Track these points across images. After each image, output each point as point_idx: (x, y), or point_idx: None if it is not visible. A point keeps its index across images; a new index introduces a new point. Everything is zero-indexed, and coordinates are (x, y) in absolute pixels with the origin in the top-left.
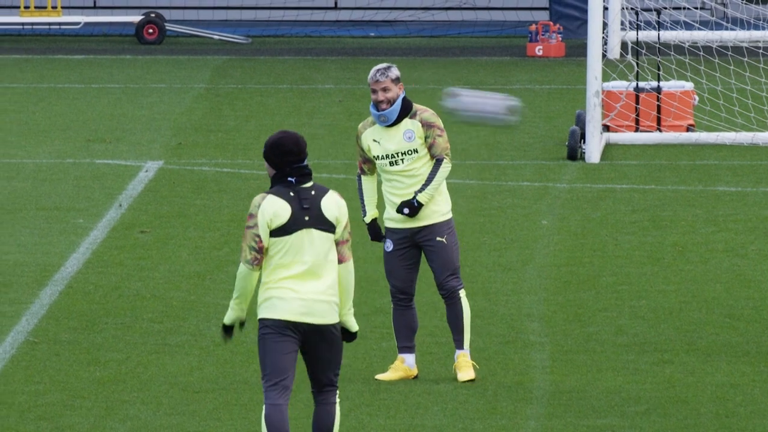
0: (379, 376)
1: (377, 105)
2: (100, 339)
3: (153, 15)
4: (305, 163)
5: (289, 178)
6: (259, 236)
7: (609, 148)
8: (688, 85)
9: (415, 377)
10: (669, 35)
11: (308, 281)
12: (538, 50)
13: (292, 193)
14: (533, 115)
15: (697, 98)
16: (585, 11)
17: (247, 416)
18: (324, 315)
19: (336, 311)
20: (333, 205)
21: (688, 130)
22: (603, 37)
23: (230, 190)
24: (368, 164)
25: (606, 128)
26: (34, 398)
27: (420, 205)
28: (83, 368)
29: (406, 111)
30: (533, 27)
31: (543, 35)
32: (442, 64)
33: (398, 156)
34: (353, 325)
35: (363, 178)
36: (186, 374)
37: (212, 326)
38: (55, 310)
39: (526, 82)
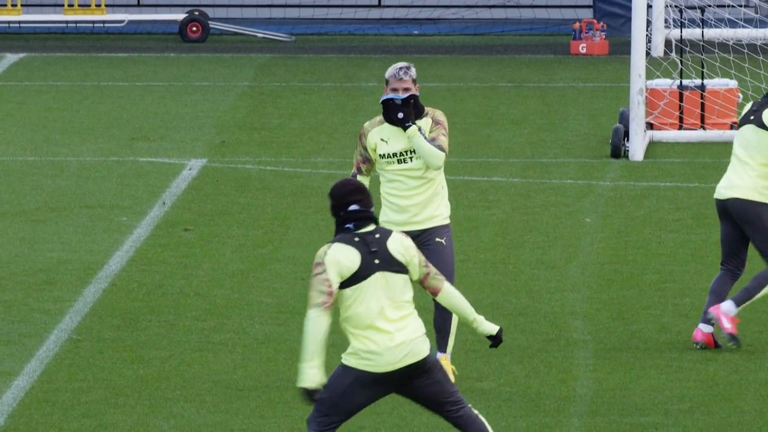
0: None
1: None
2: (143, 337)
3: (197, 13)
4: (354, 207)
5: (347, 225)
6: (328, 280)
7: (652, 146)
8: (732, 83)
9: (454, 373)
10: (713, 33)
11: (395, 324)
12: (582, 48)
13: (356, 239)
14: (577, 113)
15: (741, 96)
16: (629, 9)
17: (291, 414)
18: (419, 353)
19: (426, 342)
20: (399, 246)
21: (731, 128)
22: (647, 35)
23: (274, 188)
24: (367, 164)
25: (650, 126)
26: (78, 396)
27: (404, 120)
28: (126, 366)
29: (419, 112)
30: (577, 25)
31: (587, 33)
32: (485, 62)
33: (407, 154)
34: (492, 328)
35: (358, 177)
36: (229, 372)
37: (256, 324)
38: (98, 308)
39: (569, 80)
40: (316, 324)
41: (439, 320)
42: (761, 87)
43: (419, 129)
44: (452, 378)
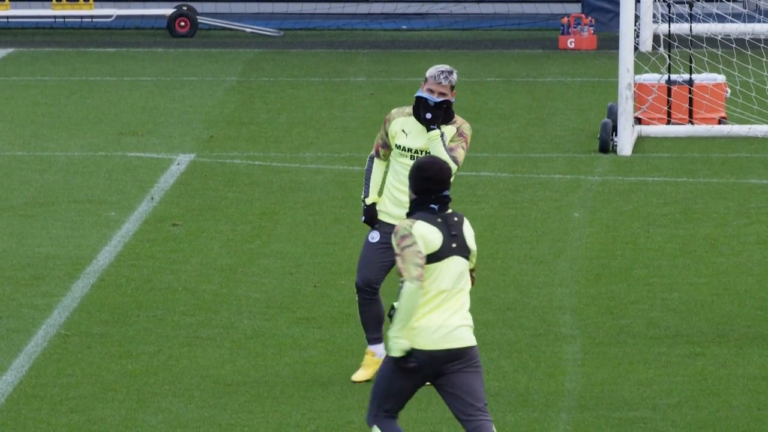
0: (355, 377)
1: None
2: (131, 332)
3: (185, 8)
4: (447, 193)
5: (432, 206)
6: (420, 252)
7: (641, 141)
8: (721, 78)
9: None
10: (701, 28)
11: (455, 310)
12: (570, 43)
13: (439, 219)
14: (565, 108)
15: (729, 91)
16: (617, 4)
17: (279, 409)
18: (465, 339)
19: (471, 333)
20: (470, 236)
21: (720, 122)
22: (635, 30)
23: (262, 183)
24: (385, 149)
25: (638, 121)
26: (66, 391)
27: (431, 121)
28: (115, 361)
29: (448, 118)
30: (565, 20)
31: (575, 28)
32: (474, 57)
33: (421, 154)
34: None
35: (376, 160)
36: (218, 367)
37: (244, 319)
38: (86, 303)
39: (557, 75)
40: (414, 299)
41: None
42: (749, 82)
43: (442, 135)
44: None
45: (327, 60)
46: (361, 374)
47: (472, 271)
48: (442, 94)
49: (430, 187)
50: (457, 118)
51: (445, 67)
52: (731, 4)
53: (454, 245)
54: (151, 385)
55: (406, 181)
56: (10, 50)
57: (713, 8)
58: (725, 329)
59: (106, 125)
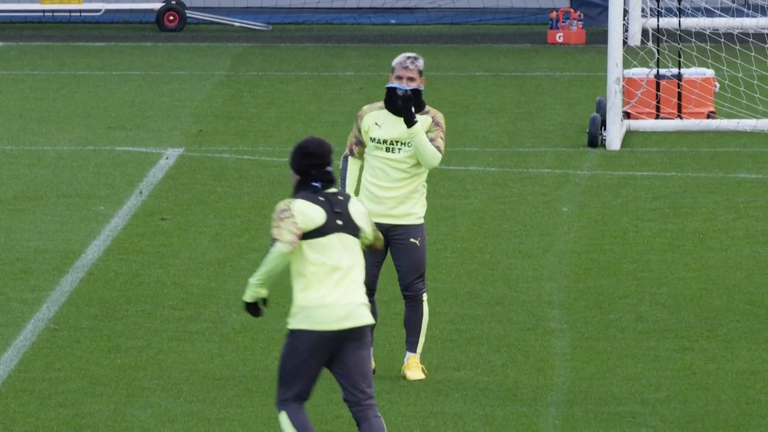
0: None
1: None
2: (120, 326)
3: (174, 2)
4: (329, 169)
5: (314, 183)
6: (297, 224)
7: (629, 135)
8: (709, 72)
9: (373, 371)
10: (690, 22)
11: (345, 287)
12: (559, 37)
13: (321, 198)
14: (554, 103)
15: (717, 85)
16: None
17: (268, 403)
18: (361, 318)
19: (368, 312)
20: (359, 213)
21: (708, 117)
22: (624, 24)
23: (251, 177)
24: (359, 147)
25: (627, 115)
26: (55, 385)
27: (414, 116)
28: (104, 355)
29: (419, 106)
30: (554, 14)
31: (564, 22)
32: (462, 51)
33: (396, 144)
34: None
35: (350, 159)
36: (206, 361)
37: (233, 313)
38: (75, 297)
39: (546, 69)
40: (280, 260)
41: (411, 319)
42: (738, 76)
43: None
44: (423, 375)
45: (316, 54)
46: None
47: (372, 245)
48: (410, 79)
49: (311, 163)
50: (429, 108)
51: (411, 53)
52: None
53: (339, 222)
54: (140, 379)
55: (382, 176)
56: None
57: (702, 2)
58: (714, 324)
59: (94, 119)
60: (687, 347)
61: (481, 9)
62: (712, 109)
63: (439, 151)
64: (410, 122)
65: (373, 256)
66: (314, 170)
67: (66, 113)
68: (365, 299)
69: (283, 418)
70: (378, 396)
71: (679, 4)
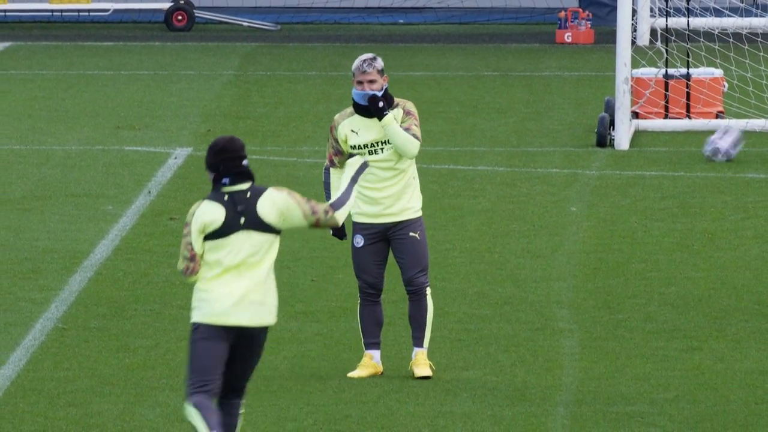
0: (351, 374)
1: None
2: (129, 326)
3: (182, 2)
4: (244, 163)
5: (224, 179)
6: (191, 244)
7: (638, 135)
8: (718, 72)
9: (381, 374)
10: (698, 22)
11: (244, 284)
12: (567, 37)
13: (226, 197)
14: (562, 102)
15: (726, 85)
16: None
17: (277, 403)
18: (258, 318)
19: (271, 313)
20: (268, 205)
21: (717, 116)
22: (632, 24)
23: (259, 177)
24: (339, 157)
25: (635, 115)
26: (64, 385)
27: (383, 108)
28: (112, 355)
29: (389, 103)
30: (562, 14)
31: (572, 22)
32: (471, 51)
33: (378, 145)
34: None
35: (332, 170)
36: None
37: None
38: (84, 297)
39: (555, 69)
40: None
41: (416, 314)
42: (746, 76)
43: (388, 112)
44: (430, 372)
45: (324, 54)
46: (358, 373)
47: (314, 214)
48: (370, 81)
49: (223, 159)
50: (399, 100)
51: (368, 55)
52: None
53: (242, 220)
54: (149, 378)
55: (371, 178)
56: (7, 44)
57: (710, 2)
58: (722, 324)
59: (103, 119)
60: (696, 347)
61: (490, 9)
62: (720, 108)
63: (416, 138)
64: (380, 116)
65: (374, 256)
66: (224, 165)
67: (74, 113)
68: (268, 299)
69: (189, 408)
70: (386, 395)
71: (688, 4)
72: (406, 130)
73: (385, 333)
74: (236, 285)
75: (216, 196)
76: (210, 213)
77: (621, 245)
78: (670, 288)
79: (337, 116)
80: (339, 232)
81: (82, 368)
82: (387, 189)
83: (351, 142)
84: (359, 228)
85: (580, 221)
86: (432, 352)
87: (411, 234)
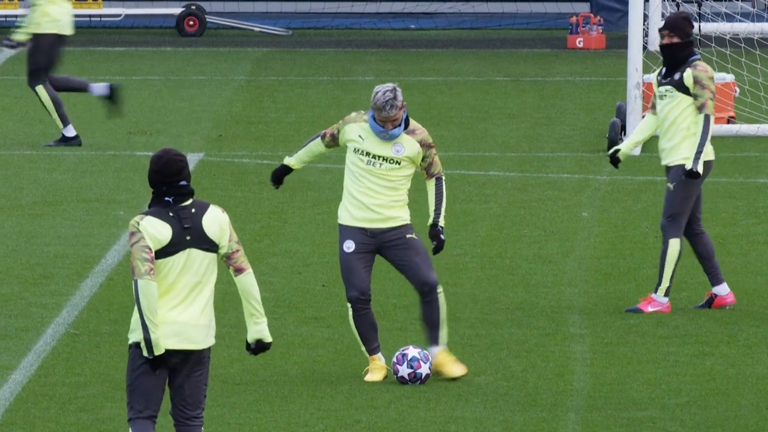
0: (368, 378)
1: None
2: None
3: (193, 7)
4: (185, 183)
5: (167, 198)
6: (148, 246)
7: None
8: (729, 77)
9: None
10: (710, 27)
11: (186, 305)
12: (579, 42)
13: (171, 213)
14: (573, 107)
15: (738, 90)
16: (625, 3)
17: (288, 408)
18: (199, 341)
19: (210, 335)
20: (214, 224)
21: (728, 121)
22: (644, 29)
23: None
24: (332, 141)
25: None
26: (75, 390)
27: (442, 229)
28: (124, 360)
29: (405, 126)
30: (574, 19)
31: (583, 27)
32: (482, 56)
33: (378, 159)
34: (267, 336)
35: (319, 140)
36: (226, 366)
37: None
38: (95, 302)
39: (566, 74)
40: (152, 295)
41: (430, 314)
42: (758, 81)
43: (437, 217)
44: (462, 371)
45: (335, 59)
46: (373, 377)
47: (234, 254)
48: (393, 121)
49: (162, 180)
50: (413, 126)
51: (388, 94)
52: (740, 3)
53: (188, 237)
54: None
55: (364, 182)
56: (19, 49)
57: (722, 8)
58: (734, 329)
59: (114, 124)
60: (707, 352)
61: (501, 14)
62: (732, 114)
63: (440, 170)
64: (442, 243)
65: (364, 261)
66: (165, 186)
67: (86, 118)
68: (206, 321)
69: None
70: (397, 401)
71: (699, 9)
72: (431, 164)
73: (395, 338)
74: (174, 308)
75: (159, 212)
76: (158, 227)
77: (632, 250)
78: (681, 293)
79: (354, 114)
80: (276, 176)
81: (93, 373)
82: (379, 197)
83: (355, 145)
84: (349, 232)
85: (592, 226)
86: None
87: (408, 236)
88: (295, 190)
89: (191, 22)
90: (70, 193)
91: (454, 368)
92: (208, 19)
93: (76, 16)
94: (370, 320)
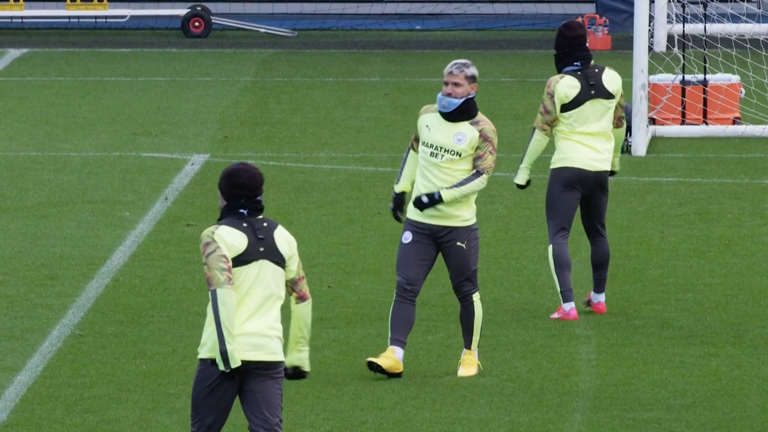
0: (370, 358)
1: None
2: (146, 332)
3: (199, 8)
4: (259, 198)
5: (241, 210)
6: (224, 256)
7: (655, 141)
8: (735, 78)
9: (400, 374)
10: (715, 28)
11: (259, 317)
12: None
13: (245, 224)
14: None
15: (743, 91)
16: (631, 4)
17: (293, 409)
18: (274, 351)
19: (280, 346)
20: (284, 242)
21: (734, 122)
22: (649, 30)
23: (276, 184)
24: (417, 143)
25: (652, 121)
26: (81, 391)
27: (439, 200)
28: (129, 361)
29: (468, 113)
30: (579, 20)
31: (589, 28)
32: (488, 57)
33: (439, 150)
34: (307, 365)
35: (411, 152)
36: None
37: None
38: (101, 303)
39: None
40: (230, 304)
41: (464, 318)
42: (764, 82)
43: (446, 189)
44: (475, 371)
45: (341, 60)
46: (377, 360)
47: (300, 280)
48: (455, 84)
49: (241, 193)
50: (481, 117)
51: (462, 60)
52: (745, 4)
53: (261, 249)
54: (166, 385)
55: (428, 176)
56: (24, 50)
57: (727, 8)
58: (740, 330)
59: (120, 125)
60: (713, 353)
61: (507, 15)
62: (737, 115)
63: (486, 172)
64: (422, 208)
65: (418, 254)
66: (243, 199)
67: (91, 119)
68: (277, 333)
69: None
70: (403, 402)
71: (705, 10)
72: (480, 157)
73: (410, 336)
74: (248, 321)
75: (233, 222)
76: (234, 236)
77: (638, 251)
78: (687, 294)
79: (424, 107)
80: (397, 204)
81: (99, 375)
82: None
83: (422, 137)
84: (410, 224)
85: None
86: (449, 358)
87: (458, 244)
88: (300, 191)
89: (197, 23)
90: (75, 195)
91: (462, 369)
92: (213, 20)
93: (82, 17)
94: (407, 313)
